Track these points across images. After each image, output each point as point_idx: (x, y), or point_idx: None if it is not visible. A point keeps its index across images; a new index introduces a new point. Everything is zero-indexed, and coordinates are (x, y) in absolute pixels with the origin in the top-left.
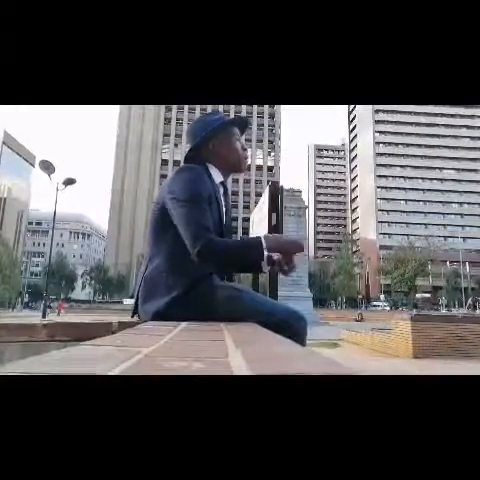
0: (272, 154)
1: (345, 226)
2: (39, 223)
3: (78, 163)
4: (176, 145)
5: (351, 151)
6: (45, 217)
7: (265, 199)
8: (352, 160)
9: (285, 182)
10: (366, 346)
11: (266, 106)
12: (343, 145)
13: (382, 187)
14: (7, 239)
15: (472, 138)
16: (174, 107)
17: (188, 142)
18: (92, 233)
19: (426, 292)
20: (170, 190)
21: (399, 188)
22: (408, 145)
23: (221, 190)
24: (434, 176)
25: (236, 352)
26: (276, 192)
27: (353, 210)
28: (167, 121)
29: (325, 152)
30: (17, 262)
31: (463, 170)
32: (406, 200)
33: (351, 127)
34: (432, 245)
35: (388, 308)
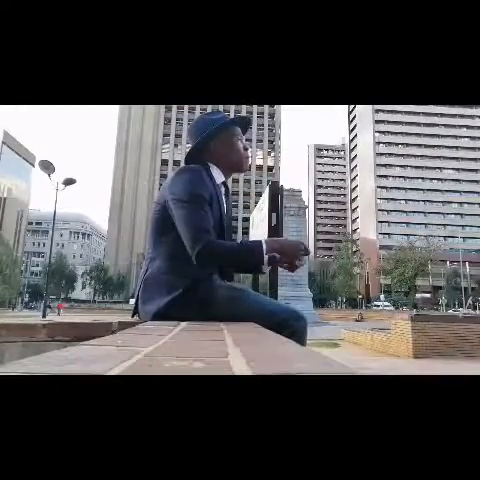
0: (272, 154)
1: (345, 226)
2: (39, 223)
3: (78, 163)
4: (176, 145)
5: (351, 151)
6: (45, 217)
7: (265, 199)
8: (352, 160)
9: (285, 182)
10: (366, 346)
11: (266, 106)
12: (343, 145)
13: (382, 187)
14: (7, 239)
15: (472, 138)
16: (174, 107)
17: (190, 141)
18: (92, 233)
19: (426, 292)
20: (171, 191)
21: (399, 188)
22: (408, 145)
23: (222, 190)
24: (434, 176)
25: (236, 352)
26: (276, 192)
27: (353, 210)
28: (167, 121)
29: (325, 152)
30: (17, 262)
31: (463, 170)
32: (406, 200)
33: (351, 127)
34: (432, 245)
35: (392, 308)
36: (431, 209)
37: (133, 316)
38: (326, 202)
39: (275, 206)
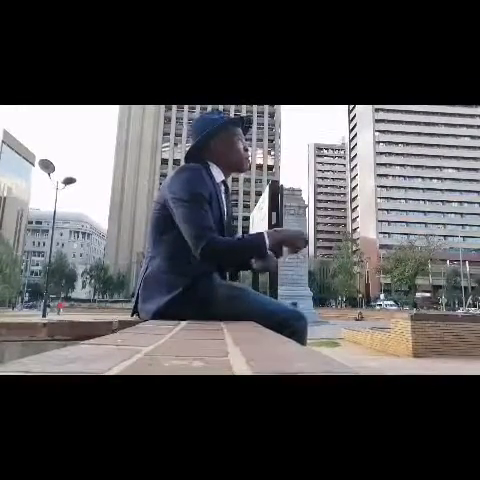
0: (272, 153)
1: (345, 225)
2: (39, 222)
3: (78, 162)
4: (176, 144)
5: (351, 150)
6: (45, 216)
7: (265, 198)
8: (352, 159)
9: (285, 181)
10: (366, 345)
11: (266, 105)
12: (343, 144)
13: (382, 186)
14: (7, 238)
15: (472, 137)
16: (174, 106)
17: (192, 137)
18: (92, 232)
19: (426, 291)
20: (171, 190)
21: (399, 187)
22: (408, 144)
23: (222, 189)
24: (434, 175)
25: (236, 351)
26: (276, 191)
27: (353, 209)
28: (167, 120)
29: (325, 151)
30: (17, 261)
31: (463, 169)
32: (406, 199)
33: (351, 126)
34: (432, 244)
35: (396, 307)
36: (431, 208)
37: (132, 315)
38: (326, 201)
39: (275, 205)
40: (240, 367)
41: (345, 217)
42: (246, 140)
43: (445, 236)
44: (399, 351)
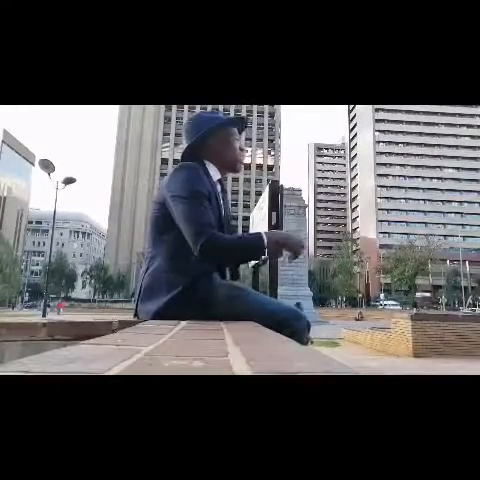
0: (272, 153)
1: (345, 225)
2: (39, 222)
3: (78, 162)
4: (176, 144)
5: (351, 150)
6: (45, 216)
7: (265, 198)
8: (352, 159)
9: (285, 181)
10: (366, 345)
11: (266, 105)
12: (343, 144)
13: (382, 186)
14: (7, 238)
15: (472, 137)
16: (174, 106)
17: (186, 139)
18: (92, 232)
19: (426, 291)
20: (169, 189)
21: (399, 187)
22: (408, 144)
23: (218, 188)
24: (434, 175)
25: (236, 351)
26: (276, 191)
27: (353, 209)
28: (167, 120)
29: (325, 151)
30: (17, 261)
31: (463, 169)
32: (406, 199)
33: (351, 126)
34: (432, 244)
35: (399, 307)
36: (431, 208)
37: (135, 316)
38: (326, 201)
39: (275, 205)
40: (240, 367)
41: (345, 217)
42: (246, 140)
43: (445, 236)
44: (399, 351)
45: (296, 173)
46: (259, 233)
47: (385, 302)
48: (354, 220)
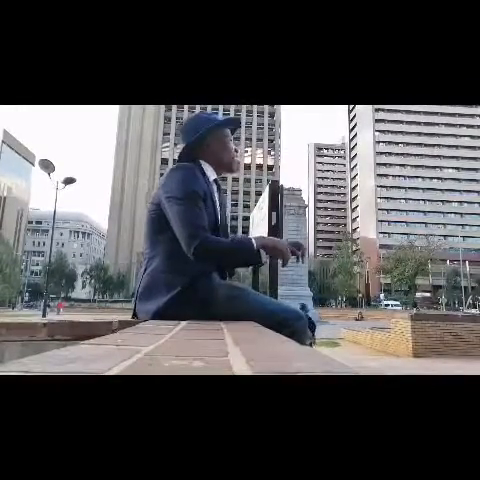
0: (272, 153)
1: (345, 225)
2: (39, 222)
3: (78, 162)
4: (176, 144)
5: (351, 150)
6: (45, 216)
7: (265, 198)
8: (352, 159)
9: (285, 181)
10: (366, 345)
11: (266, 105)
12: (343, 144)
13: (382, 186)
14: (7, 238)
15: (472, 137)
16: (174, 106)
17: (183, 139)
18: (92, 232)
19: (426, 291)
20: (165, 189)
21: (399, 187)
22: (408, 144)
23: (215, 187)
24: (434, 175)
25: (236, 351)
26: (276, 191)
27: (353, 209)
28: (167, 120)
29: (325, 151)
30: (17, 261)
31: (463, 169)
32: (406, 199)
33: (351, 126)
34: (432, 244)
35: (400, 307)
36: (431, 208)
37: (133, 317)
38: (326, 201)
39: (275, 205)
40: (240, 367)
41: (345, 217)
42: (246, 140)
43: (445, 236)
44: (399, 351)
45: (296, 173)
46: (249, 238)
47: (387, 302)
48: (354, 220)
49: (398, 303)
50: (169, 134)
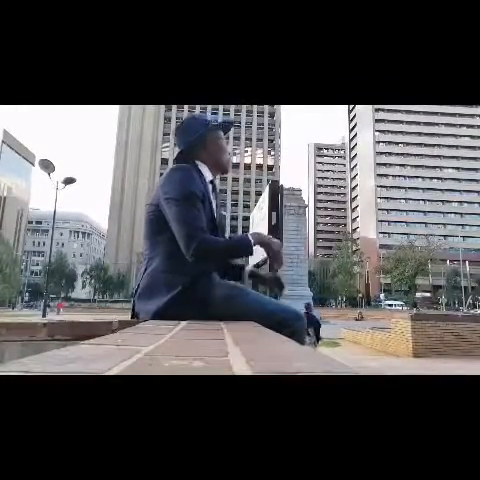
0: (272, 153)
1: (345, 225)
2: (39, 222)
3: (78, 162)
4: (176, 144)
5: (351, 150)
6: (45, 216)
7: (265, 198)
8: (352, 159)
9: (285, 181)
10: (366, 345)
11: (266, 105)
12: (343, 144)
13: (382, 186)
14: (7, 238)
15: (472, 137)
16: (174, 106)
17: (180, 140)
18: (92, 232)
19: (426, 291)
20: (164, 190)
21: (399, 187)
22: (408, 144)
23: (210, 188)
24: (434, 175)
25: (236, 351)
26: (276, 191)
27: (353, 209)
28: (167, 120)
29: (325, 151)
30: (17, 261)
31: (463, 169)
32: (406, 199)
33: (351, 126)
34: (432, 244)
35: (404, 307)
36: (431, 208)
37: (132, 317)
38: (326, 201)
39: (275, 205)
40: (240, 367)
41: (345, 217)
42: (246, 140)
43: (445, 236)
44: (399, 351)
45: (296, 173)
46: (246, 235)
47: (390, 302)
48: (354, 220)
49: (402, 303)
50: (169, 134)
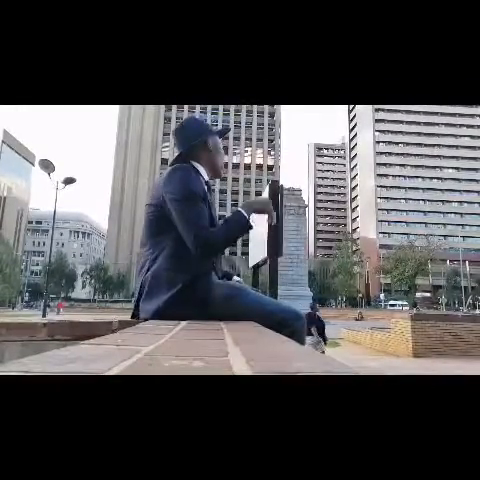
0: (272, 153)
1: (345, 225)
2: (39, 222)
3: (78, 162)
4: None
5: (351, 150)
6: (45, 216)
7: None
8: (352, 159)
9: (285, 181)
10: (366, 345)
11: (266, 105)
12: (343, 144)
13: (382, 186)
14: (7, 238)
15: (472, 137)
16: (174, 107)
17: (183, 140)
18: (92, 232)
19: (426, 291)
20: (167, 189)
21: (399, 187)
22: (408, 144)
23: (206, 188)
24: (434, 175)
25: (236, 351)
26: (276, 191)
27: (353, 209)
28: (167, 120)
29: (325, 151)
30: (17, 261)
31: (463, 169)
32: (406, 199)
33: (351, 126)
34: (432, 244)
35: (407, 308)
36: (431, 208)
37: (133, 317)
38: (326, 201)
39: (275, 205)
40: (240, 367)
41: (345, 217)
42: (246, 140)
43: (445, 236)
44: (399, 351)
45: (296, 173)
46: (239, 211)
47: (393, 302)
48: (354, 220)
49: (405, 303)
50: (169, 134)
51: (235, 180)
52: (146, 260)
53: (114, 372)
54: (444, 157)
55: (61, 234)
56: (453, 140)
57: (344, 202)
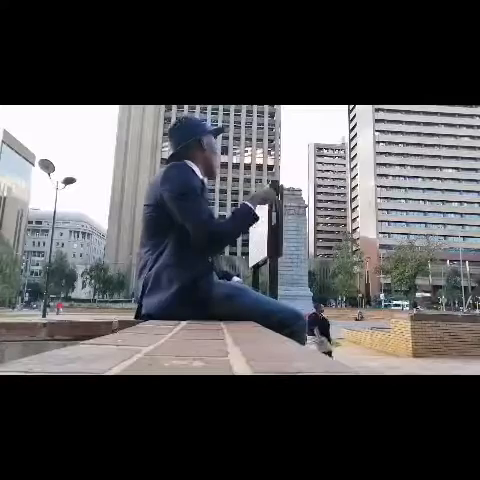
0: (272, 153)
1: (345, 225)
2: (39, 222)
3: (78, 162)
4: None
5: (351, 150)
6: (45, 216)
7: None
8: (352, 159)
9: (285, 181)
10: (366, 345)
11: (266, 105)
12: (343, 144)
13: (382, 186)
14: (7, 238)
15: (472, 137)
16: (174, 107)
17: (175, 139)
18: (92, 232)
19: (426, 291)
20: (165, 187)
21: (399, 187)
22: (408, 144)
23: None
24: (434, 175)
25: (236, 351)
26: (276, 191)
27: (353, 209)
28: (167, 120)
29: (325, 151)
30: (17, 261)
31: (463, 169)
32: (406, 199)
33: (351, 126)
34: (432, 244)
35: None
36: (431, 208)
37: (136, 318)
38: (326, 201)
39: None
40: (240, 367)
41: (345, 217)
42: (246, 140)
43: (445, 236)
44: (399, 351)
45: (296, 173)
46: (244, 203)
47: (397, 302)
48: (354, 220)
49: (407, 302)
50: None
51: (235, 180)
52: (147, 260)
53: (114, 372)
54: (444, 157)
55: (61, 234)
56: (453, 140)
57: (344, 202)
